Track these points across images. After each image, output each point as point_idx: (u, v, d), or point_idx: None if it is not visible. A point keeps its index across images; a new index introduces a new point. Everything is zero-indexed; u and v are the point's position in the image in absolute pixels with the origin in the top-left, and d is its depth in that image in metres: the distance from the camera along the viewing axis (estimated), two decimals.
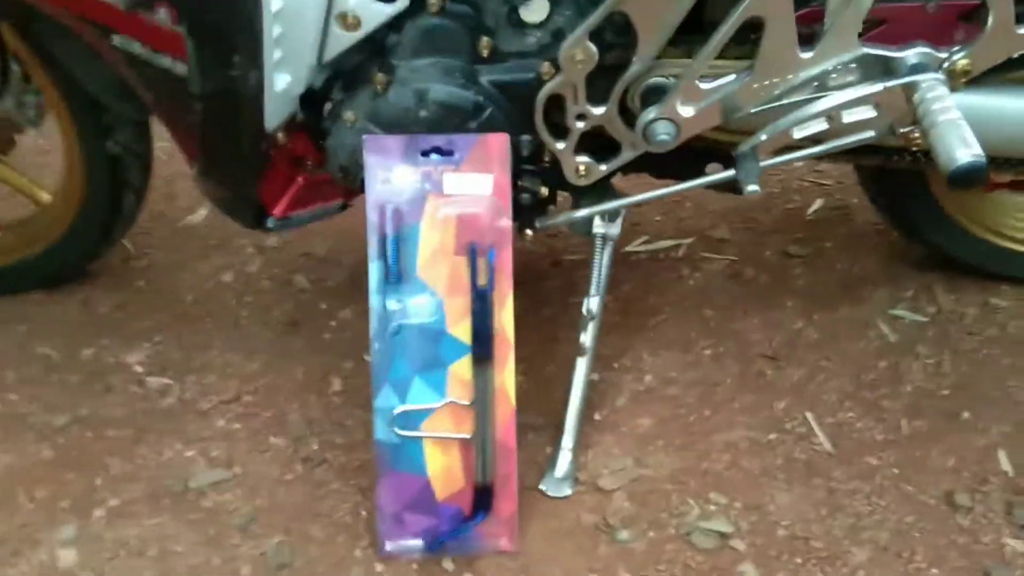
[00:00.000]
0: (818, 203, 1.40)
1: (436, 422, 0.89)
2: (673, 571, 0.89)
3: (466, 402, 0.89)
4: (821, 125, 0.80)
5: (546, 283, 1.27)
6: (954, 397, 1.06)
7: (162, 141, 1.16)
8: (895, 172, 1.06)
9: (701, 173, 0.98)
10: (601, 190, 0.98)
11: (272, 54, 0.79)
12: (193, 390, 1.11)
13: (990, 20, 0.74)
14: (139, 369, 1.14)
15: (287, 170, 0.98)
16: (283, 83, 0.83)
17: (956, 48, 0.78)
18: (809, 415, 1.05)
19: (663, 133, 0.83)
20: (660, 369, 1.12)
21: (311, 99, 0.92)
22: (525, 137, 0.89)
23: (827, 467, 0.99)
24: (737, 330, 1.17)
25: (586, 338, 1.00)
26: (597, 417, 1.06)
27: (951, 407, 1.05)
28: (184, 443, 1.04)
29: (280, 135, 0.89)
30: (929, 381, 1.08)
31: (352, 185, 0.92)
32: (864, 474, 0.98)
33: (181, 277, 1.31)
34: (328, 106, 0.91)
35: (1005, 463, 0.97)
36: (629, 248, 1.31)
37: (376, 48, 0.87)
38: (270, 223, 0.98)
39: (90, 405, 1.09)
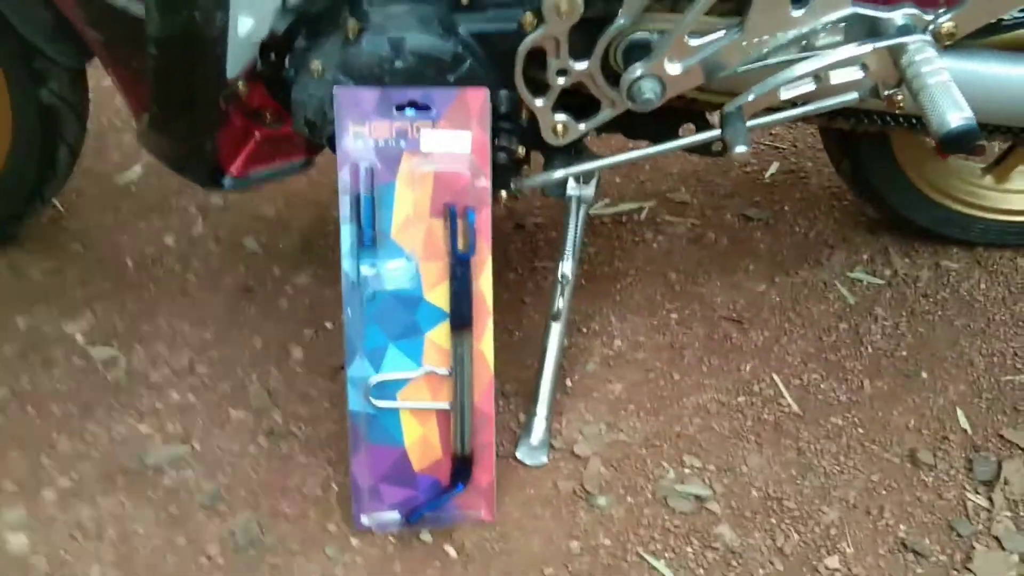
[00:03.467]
0: (774, 167, 1.41)
1: (412, 391, 0.86)
2: (652, 535, 0.89)
3: (444, 370, 0.86)
4: (809, 86, 0.78)
5: (510, 247, 1.24)
6: (912, 357, 1.09)
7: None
8: (861, 137, 1.07)
9: (674, 134, 0.96)
10: (574, 151, 0.96)
11: None
12: (142, 361, 1.04)
13: None
14: (81, 339, 1.07)
15: (243, 124, 0.91)
16: (246, 27, 0.77)
17: (942, 10, 0.77)
18: (776, 377, 1.06)
19: (649, 91, 0.81)
20: (628, 333, 1.11)
21: (270, 47, 0.86)
22: (503, 92, 0.85)
23: (795, 428, 1.00)
24: (701, 293, 1.17)
25: (561, 303, 0.98)
26: (569, 383, 1.05)
27: (910, 367, 1.07)
28: (136, 418, 0.98)
29: (240, 85, 0.83)
30: (888, 342, 1.10)
31: (318, 140, 0.87)
32: (831, 434, 1.00)
33: (119, 240, 1.23)
34: (291, 55, 0.85)
35: (963, 421, 1.01)
36: (592, 211, 1.29)
37: None
38: (226, 182, 0.91)
39: (30, 379, 1.01)
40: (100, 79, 1.49)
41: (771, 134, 1.47)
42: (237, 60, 0.79)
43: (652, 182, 1.37)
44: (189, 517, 0.89)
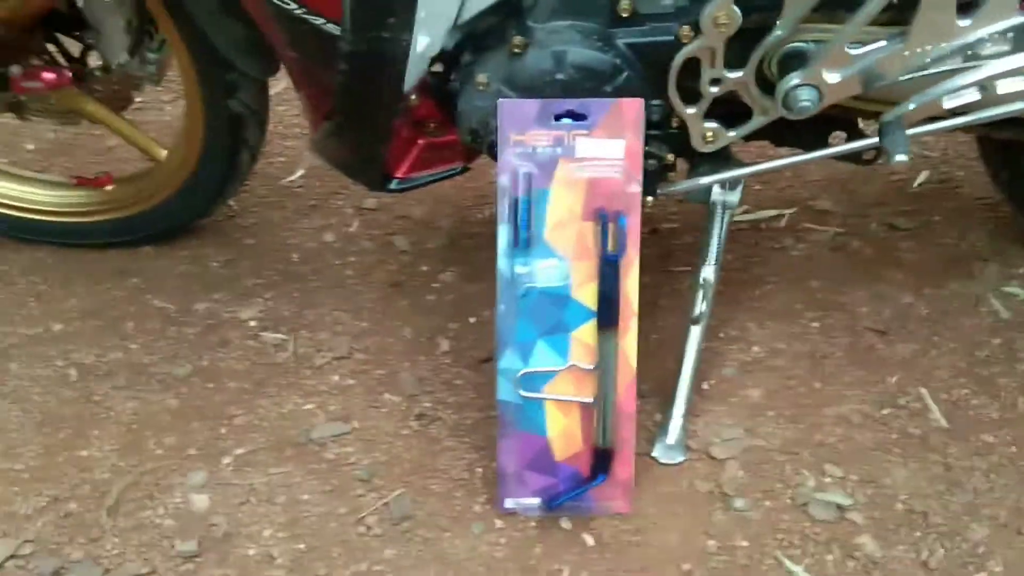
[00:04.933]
0: (923, 175, 1.37)
1: (558, 385, 0.90)
2: (791, 540, 0.90)
3: (588, 366, 0.90)
4: (974, 95, 0.77)
5: (644, 251, 1.26)
6: None
7: None
8: (1022, 146, 1.03)
9: (823, 142, 0.97)
10: (720, 158, 0.97)
11: (419, 14, 0.79)
12: (306, 346, 1.14)
13: None
14: (253, 324, 1.17)
15: (410, 132, 0.98)
16: (423, 44, 0.83)
17: None
18: (923, 390, 1.04)
19: (805, 99, 0.82)
20: (767, 340, 1.12)
21: (437, 61, 0.92)
22: (655, 102, 0.89)
23: (943, 443, 0.98)
24: (844, 302, 1.16)
25: (702, 307, 1.00)
26: (705, 386, 1.06)
27: None
28: (302, 396, 1.07)
29: (413, 97, 0.90)
30: None
31: (479, 148, 0.92)
32: (980, 451, 0.97)
33: (285, 236, 1.34)
34: (457, 68, 0.91)
35: None
36: None
37: (511, 10, 0.87)
38: (393, 185, 0.99)
39: (209, 357, 1.13)
40: None
41: (920, 142, 1.43)
42: (413, 75, 0.86)
43: (792, 189, 1.36)
44: (349, 489, 0.96)
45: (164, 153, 1.22)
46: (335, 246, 1.31)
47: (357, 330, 1.16)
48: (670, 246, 1.28)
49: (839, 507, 0.92)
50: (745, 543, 0.90)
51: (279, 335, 1.15)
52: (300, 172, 1.47)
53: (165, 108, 1.69)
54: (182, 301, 1.22)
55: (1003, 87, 0.76)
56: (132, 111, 1.30)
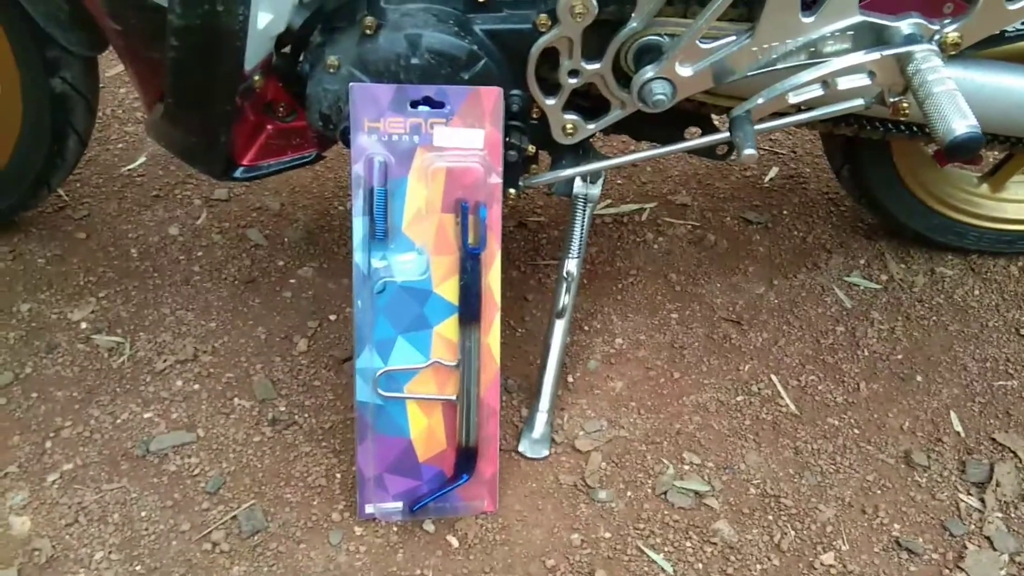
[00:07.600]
0: (773, 171, 1.43)
1: (420, 383, 0.87)
2: (652, 529, 0.90)
3: (451, 363, 0.87)
4: (817, 91, 0.80)
5: (512, 245, 1.26)
6: (907, 361, 1.11)
7: None
8: (862, 143, 1.09)
9: (679, 137, 0.98)
10: (582, 151, 0.97)
11: None
12: (146, 349, 1.05)
13: None
14: (85, 326, 1.07)
15: (257, 117, 0.92)
16: (265, 21, 0.78)
17: (948, 20, 0.79)
18: (774, 377, 1.08)
19: (660, 93, 0.82)
20: (629, 332, 1.13)
21: (285, 41, 0.87)
22: (515, 92, 0.87)
23: (793, 428, 1.02)
24: (702, 294, 1.19)
25: (565, 300, 0.99)
26: (570, 379, 1.06)
27: (905, 371, 1.09)
28: (141, 404, 0.98)
29: (256, 78, 0.83)
30: (883, 345, 1.12)
31: (331, 134, 0.87)
32: (827, 434, 1.02)
33: (123, 229, 1.23)
34: (306, 49, 0.86)
35: (956, 424, 1.03)
36: (594, 211, 1.31)
37: None
38: (238, 173, 0.92)
39: (33, 363, 1.02)
40: (105, 69, 1.50)
41: (770, 140, 1.49)
42: (255, 53, 0.79)
43: (653, 184, 1.38)
44: (193, 503, 0.89)
45: None
46: (180, 240, 1.22)
47: (204, 331, 1.08)
48: (537, 240, 1.28)
49: (697, 494, 0.94)
50: (608, 535, 0.90)
51: (114, 338, 1.06)
52: (142, 160, 1.36)
53: None
54: (2, 301, 1.09)
55: (843, 84, 0.79)
56: None
